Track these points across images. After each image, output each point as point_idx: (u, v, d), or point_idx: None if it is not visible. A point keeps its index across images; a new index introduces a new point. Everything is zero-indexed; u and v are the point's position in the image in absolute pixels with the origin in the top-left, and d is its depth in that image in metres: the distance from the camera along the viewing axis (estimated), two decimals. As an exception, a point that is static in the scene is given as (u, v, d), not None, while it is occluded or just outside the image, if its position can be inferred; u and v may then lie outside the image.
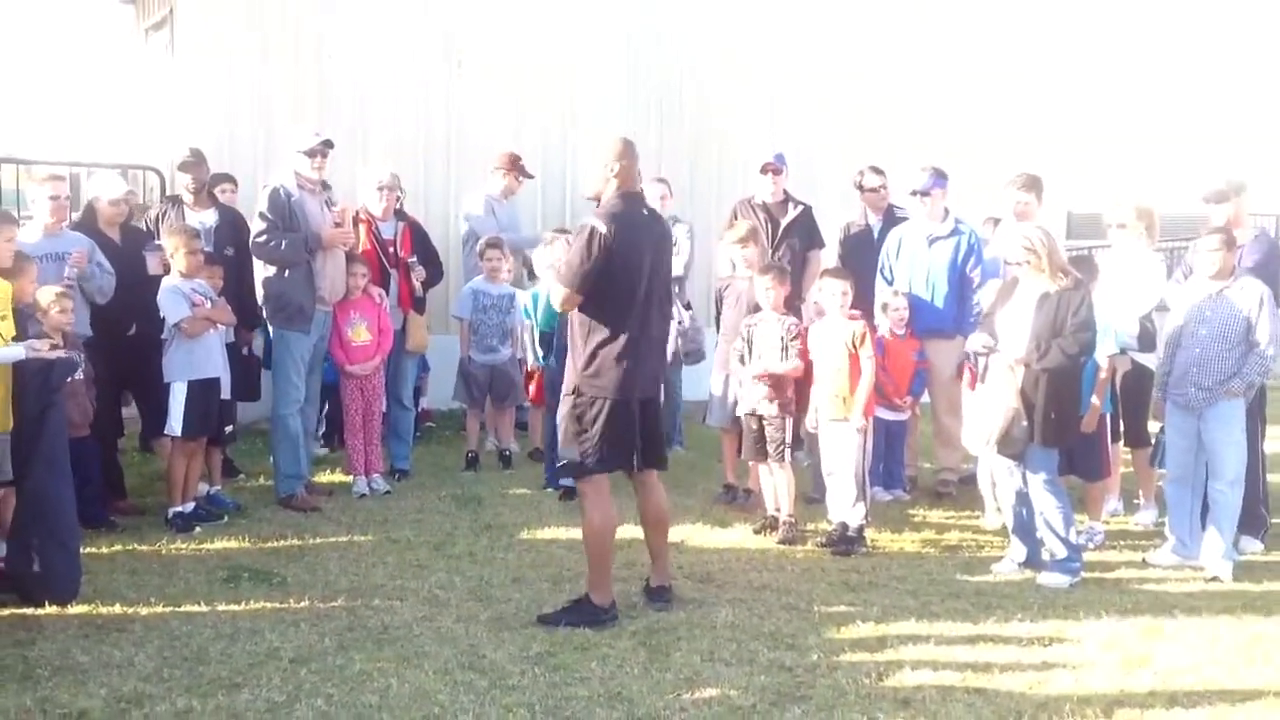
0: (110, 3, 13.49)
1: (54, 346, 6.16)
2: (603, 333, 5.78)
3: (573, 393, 5.85)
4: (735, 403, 7.90)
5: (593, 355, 5.79)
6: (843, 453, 7.33)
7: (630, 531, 7.42)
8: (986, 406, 6.72)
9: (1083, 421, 7.08)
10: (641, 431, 5.97)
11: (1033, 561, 6.84)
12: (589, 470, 5.88)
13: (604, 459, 5.86)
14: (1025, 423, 6.57)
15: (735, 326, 8.01)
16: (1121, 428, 7.87)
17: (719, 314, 8.41)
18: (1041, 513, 6.70)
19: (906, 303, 8.38)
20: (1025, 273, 6.73)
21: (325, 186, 8.09)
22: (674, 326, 9.48)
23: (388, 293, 8.57)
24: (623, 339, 5.78)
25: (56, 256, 7.15)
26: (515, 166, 10.30)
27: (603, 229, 5.70)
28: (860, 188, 9.11)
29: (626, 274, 5.76)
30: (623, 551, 7.03)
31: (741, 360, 7.60)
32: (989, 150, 12.57)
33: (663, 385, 6.33)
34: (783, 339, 7.46)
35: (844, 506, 7.31)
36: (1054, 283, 6.62)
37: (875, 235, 8.89)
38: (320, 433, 9.36)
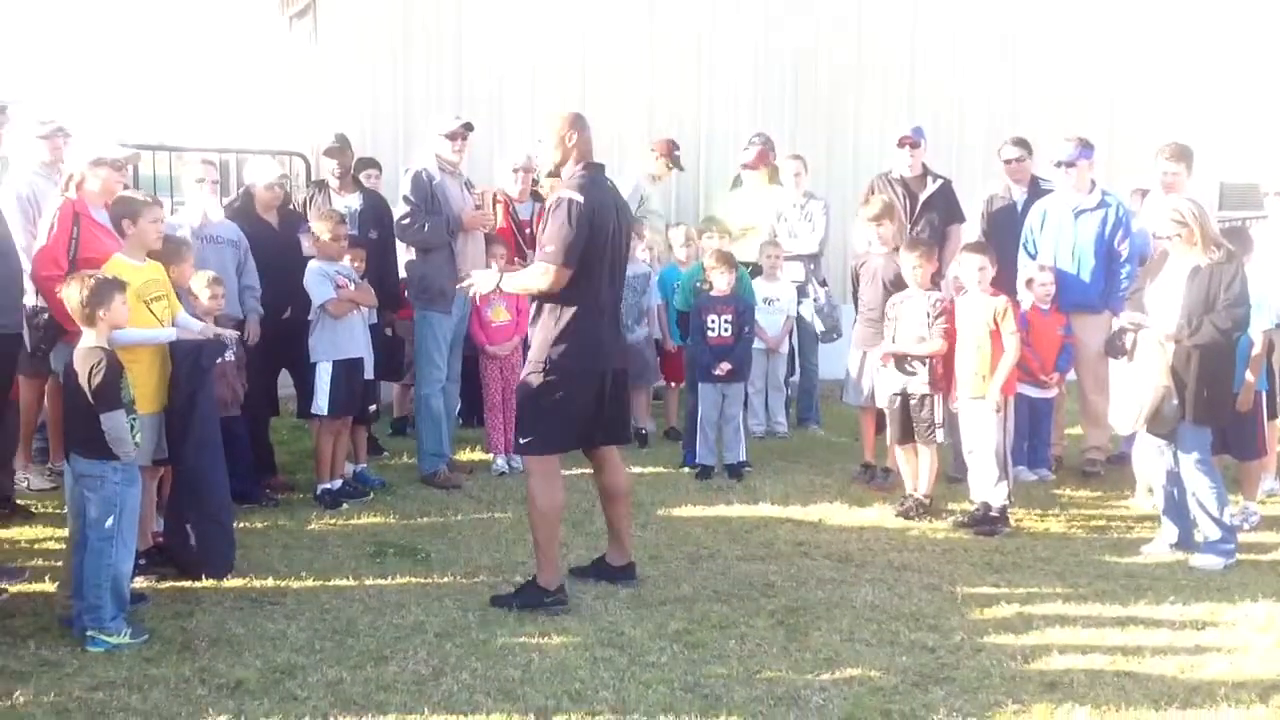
0: (256, -8, 13.86)
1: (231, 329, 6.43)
2: (575, 306, 5.66)
3: (542, 369, 5.69)
4: (873, 383, 7.83)
5: (565, 329, 5.66)
6: (983, 431, 7.19)
7: (765, 510, 7.44)
8: (1136, 384, 6.53)
9: (1237, 399, 6.85)
10: (610, 405, 5.85)
11: (1185, 543, 6.65)
12: (547, 448, 5.76)
13: (565, 436, 5.77)
14: (1176, 401, 6.38)
15: (871, 304, 7.92)
16: (1279, 405, 7.58)
17: (855, 291, 8.31)
18: (1194, 493, 6.51)
19: (1053, 277, 8.17)
20: (1176, 246, 6.51)
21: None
22: (810, 305, 9.45)
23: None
24: (589, 311, 5.68)
25: (212, 239, 7.39)
26: (670, 154, 10.28)
27: (579, 199, 5.61)
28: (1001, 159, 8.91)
29: (598, 245, 5.66)
30: (758, 531, 7.04)
31: (893, 339, 7.49)
32: (1137, 119, 12.19)
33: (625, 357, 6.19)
34: (928, 315, 7.34)
35: (986, 486, 7.18)
36: (1206, 256, 6.41)
37: (1019, 208, 8.68)
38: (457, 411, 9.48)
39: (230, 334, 6.51)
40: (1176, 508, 6.67)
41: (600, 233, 5.65)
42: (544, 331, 5.73)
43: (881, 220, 7.98)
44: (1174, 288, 6.49)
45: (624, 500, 6.12)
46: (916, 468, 7.51)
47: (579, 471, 7.43)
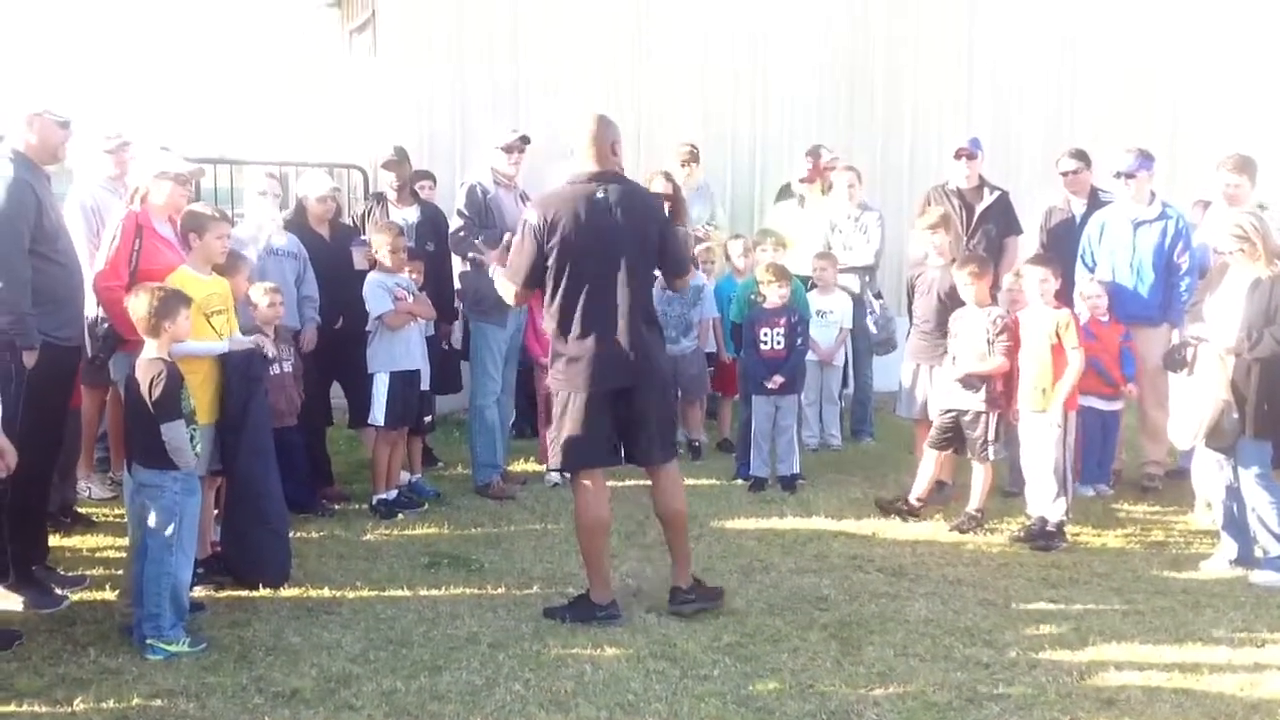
0: (317, 7, 14.02)
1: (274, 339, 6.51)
2: (559, 325, 5.65)
3: (554, 386, 5.79)
4: (926, 396, 7.80)
5: (558, 349, 5.68)
6: (1042, 446, 7.13)
7: (818, 523, 7.41)
8: (1195, 398, 6.45)
9: None
10: (624, 425, 5.73)
11: (1245, 559, 6.55)
12: (569, 465, 5.79)
13: (579, 455, 5.71)
14: (1236, 415, 6.29)
15: (925, 316, 7.88)
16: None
17: (910, 303, 8.27)
18: (1254, 509, 6.41)
19: (1102, 290, 8.07)
20: (1237, 260, 6.44)
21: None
22: (867, 317, 9.40)
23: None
24: (582, 328, 5.60)
25: (271, 251, 7.48)
26: (686, 161, 10.26)
27: (534, 218, 5.58)
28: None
29: (574, 260, 5.54)
30: (811, 544, 7.01)
31: (954, 360, 7.44)
32: (1200, 129, 12.03)
33: (652, 373, 5.78)
34: (988, 332, 7.29)
35: (1044, 501, 7.11)
36: (1268, 269, 6.33)
37: (1078, 220, 8.59)
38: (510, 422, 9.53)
39: (264, 340, 6.53)
40: (1236, 523, 6.57)
41: (566, 246, 5.54)
42: (552, 351, 5.79)
43: (938, 229, 7.93)
44: (1234, 300, 6.41)
45: (672, 524, 5.92)
46: (935, 474, 7.53)
47: (632, 483, 7.47)
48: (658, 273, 6.03)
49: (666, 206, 8.66)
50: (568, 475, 8.13)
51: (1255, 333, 6.26)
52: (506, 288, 5.82)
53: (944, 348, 7.68)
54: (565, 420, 5.69)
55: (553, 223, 5.56)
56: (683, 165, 9.99)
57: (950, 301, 7.67)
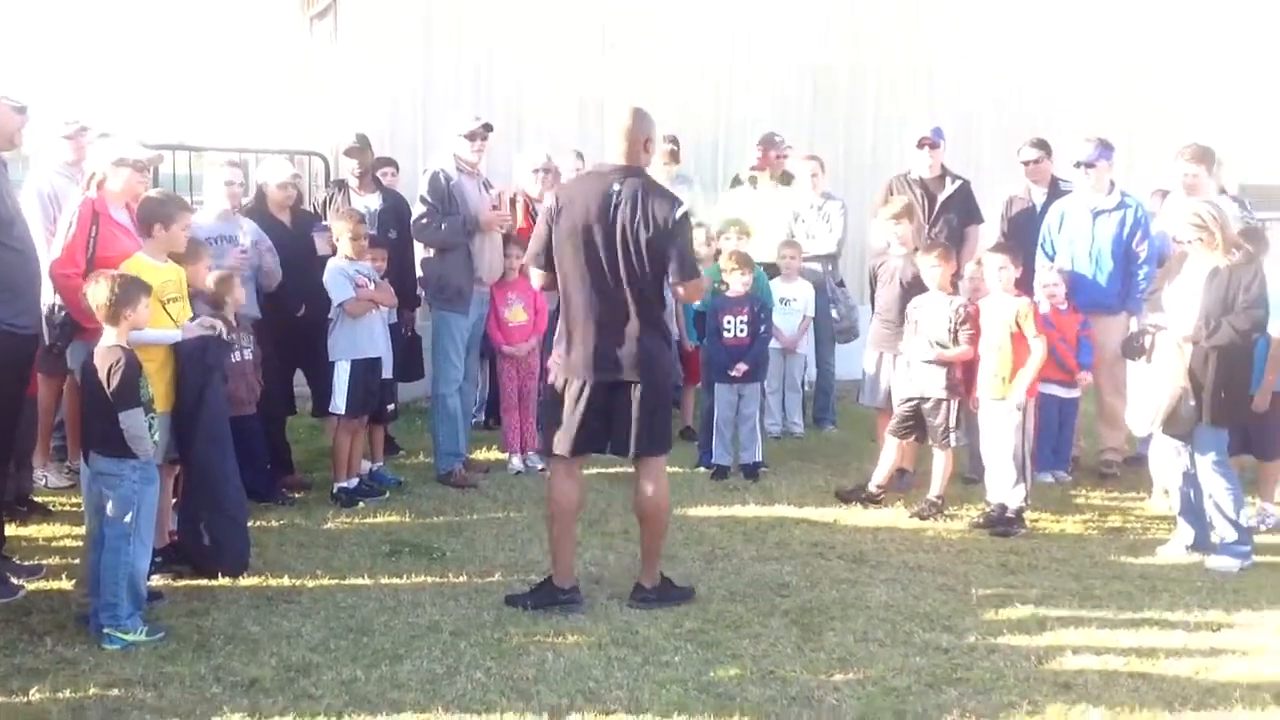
0: (277, -8, 13.92)
1: (227, 326, 6.45)
2: (564, 310, 5.70)
3: (549, 370, 5.87)
4: (889, 384, 7.84)
5: (558, 332, 5.75)
6: (1002, 433, 7.18)
7: (780, 511, 7.43)
8: (1153, 385, 6.51)
9: (1254, 400, 6.82)
10: (614, 416, 5.70)
11: (1201, 545, 6.63)
12: (549, 449, 5.84)
13: (562, 439, 5.72)
14: (1193, 402, 6.36)
15: (888, 305, 7.91)
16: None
17: (873, 292, 8.30)
18: (1211, 495, 6.49)
19: (1060, 279, 8.12)
20: (1195, 249, 6.50)
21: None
22: (830, 305, 9.44)
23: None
24: (579, 316, 5.64)
25: (229, 239, 7.41)
26: (673, 159, 10.24)
27: (549, 201, 5.71)
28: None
29: (573, 247, 5.58)
30: (773, 532, 7.04)
31: (909, 345, 7.49)
32: (1158, 119, 12.13)
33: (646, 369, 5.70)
34: (950, 320, 7.34)
35: (1003, 487, 7.17)
36: (1225, 258, 6.39)
37: (1038, 210, 8.65)
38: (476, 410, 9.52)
39: (217, 323, 6.47)
40: (1192, 509, 6.65)
41: (570, 233, 5.58)
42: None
43: (901, 219, 7.96)
44: (1193, 289, 6.47)
45: (650, 520, 5.88)
46: (896, 462, 7.60)
47: (597, 471, 7.47)
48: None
49: None
50: (532, 461, 8.25)
51: (1213, 321, 6.32)
52: (529, 271, 5.93)
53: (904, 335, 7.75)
54: (555, 405, 5.74)
55: (561, 208, 5.63)
56: (669, 161, 10.01)
57: (913, 290, 7.71)
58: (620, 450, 5.80)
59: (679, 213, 5.60)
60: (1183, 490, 6.67)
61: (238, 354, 6.99)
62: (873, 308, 8.32)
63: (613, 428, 5.72)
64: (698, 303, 8.95)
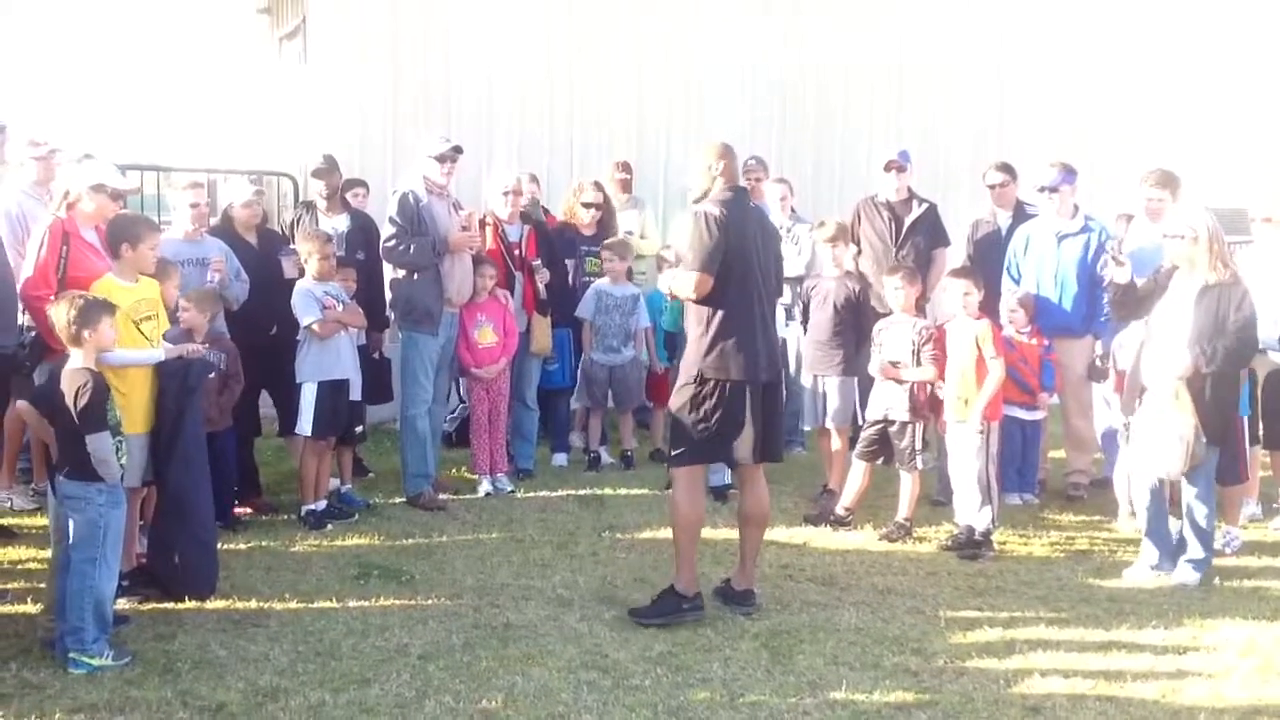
0: (246, 14, 13.87)
1: (203, 346, 6.44)
2: (722, 316, 5.80)
3: (694, 381, 5.85)
4: (824, 405, 8.08)
5: (714, 340, 5.80)
6: (966, 456, 7.23)
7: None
8: (1164, 428, 6.50)
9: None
10: (765, 419, 5.94)
11: (1164, 565, 6.69)
12: (695, 458, 5.90)
13: (714, 448, 5.88)
14: (1204, 438, 6.42)
15: (821, 327, 8.08)
16: (1261, 430, 7.61)
17: (806, 314, 8.38)
18: (1191, 512, 6.59)
19: (1018, 305, 8.16)
20: (1180, 255, 6.53)
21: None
22: (797, 327, 9.48)
23: (512, 295, 8.68)
24: (743, 321, 5.82)
25: (197, 261, 7.38)
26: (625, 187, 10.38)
27: (715, 211, 5.79)
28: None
29: (741, 257, 5.81)
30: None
31: (876, 367, 7.55)
32: (1124, 144, 12.26)
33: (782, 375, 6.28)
34: (914, 343, 7.39)
35: (970, 510, 7.21)
36: (1213, 273, 6.44)
37: (1004, 233, 8.72)
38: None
39: (199, 348, 6.45)
40: (1158, 529, 6.70)
41: (742, 243, 5.80)
42: (696, 345, 5.88)
43: (836, 242, 8.07)
44: (1181, 308, 6.53)
45: (757, 526, 6.19)
46: (863, 487, 7.64)
47: (564, 493, 7.47)
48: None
49: (595, 216, 8.78)
50: (501, 484, 8.23)
51: (1209, 347, 6.37)
52: (688, 279, 5.86)
53: (839, 358, 7.87)
54: (716, 412, 5.82)
55: (731, 220, 5.81)
56: (621, 191, 10.12)
57: (845, 313, 7.81)
58: (770, 455, 6.08)
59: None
60: (1150, 509, 6.72)
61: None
62: (804, 330, 8.38)
63: (757, 430, 5.92)
64: (668, 324, 9.03)
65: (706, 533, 7.37)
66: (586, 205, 9.52)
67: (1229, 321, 6.36)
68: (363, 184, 9.31)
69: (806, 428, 8.44)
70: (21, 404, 5.57)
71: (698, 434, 5.84)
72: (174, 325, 6.69)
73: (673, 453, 5.97)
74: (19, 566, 6.60)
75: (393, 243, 7.91)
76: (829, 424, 8.12)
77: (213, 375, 7.06)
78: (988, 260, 8.46)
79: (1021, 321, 8.10)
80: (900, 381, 7.41)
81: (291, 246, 8.04)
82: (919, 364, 7.38)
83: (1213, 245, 6.46)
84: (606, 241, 9.48)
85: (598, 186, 9.57)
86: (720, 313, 5.82)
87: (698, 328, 5.88)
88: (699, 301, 5.84)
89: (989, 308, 7.67)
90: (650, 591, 6.23)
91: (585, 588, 6.39)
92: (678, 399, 5.93)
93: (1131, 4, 12.95)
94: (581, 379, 9.34)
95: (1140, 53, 12.77)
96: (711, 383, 5.82)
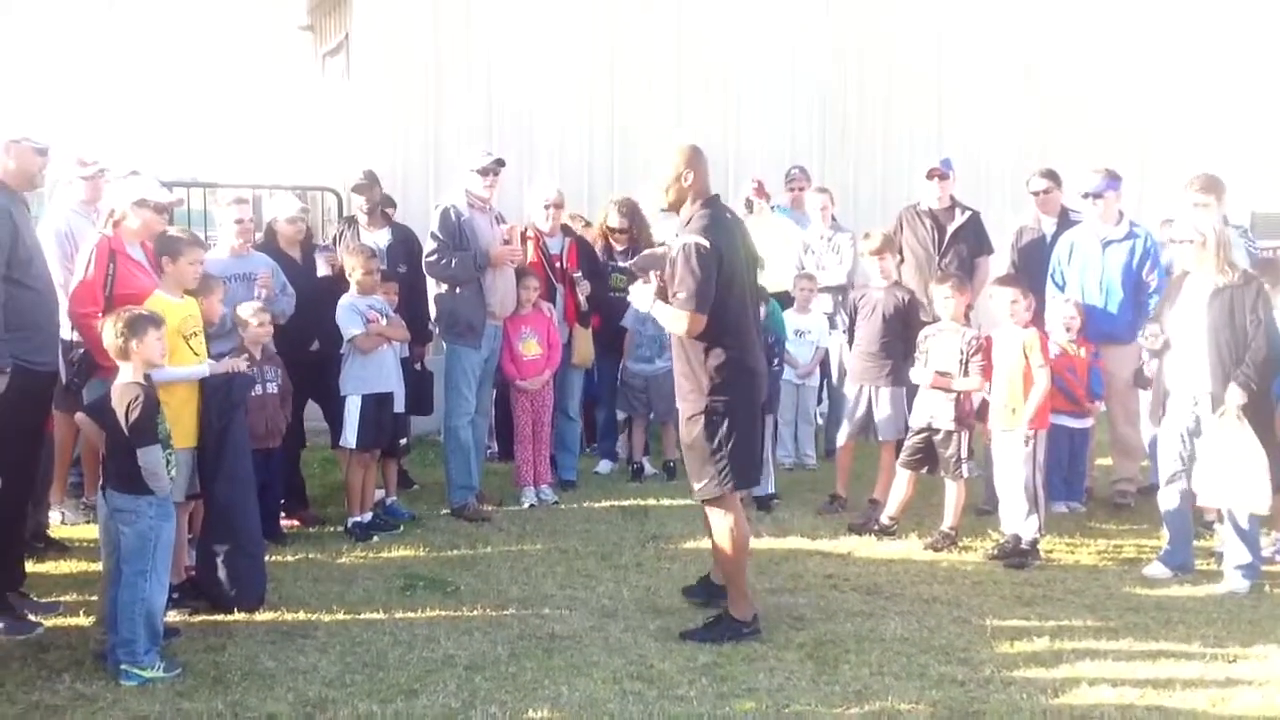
0: (289, 31, 14.03)
1: (250, 360, 6.50)
2: (723, 344, 5.65)
3: (703, 412, 5.68)
4: (862, 416, 8.12)
5: (718, 369, 5.64)
6: (1013, 464, 7.18)
7: (793, 543, 7.44)
8: (1241, 458, 6.44)
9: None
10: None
11: (1185, 566, 6.77)
12: (724, 487, 5.71)
13: (740, 474, 5.74)
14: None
15: (869, 338, 8.05)
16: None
17: (853, 325, 8.33)
18: (1234, 517, 6.55)
19: (1075, 310, 8.14)
20: (1190, 260, 6.52)
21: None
22: (840, 336, 9.47)
23: (554, 307, 8.71)
24: (744, 345, 5.73)
25: (243, 277, 7.46)
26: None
27: (704, 243, 5.56)
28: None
29: (731, 280, 5.64)
30: (786, 564, 7.04)
31: (922, 376, 7.52)
32: (1168, 149, 12.17)
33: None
34: (962, 352, 7.35)
35: (1016, 519, 7.16)
36: (1221, 276, 6.43)
37: (1048, 240, 8.67)
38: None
39: (241, 363, 6.50)
40: (1182, 531, 6.84)
41: (731, 268, 5.66)
42: (698, 375, 5.68)
43: (883, 254, 8.04)
44: (1194, 311, 6.51)
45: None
46: (907, 496, 7.61)
47: (609, 504, 7.47)
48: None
49: (625, 238, 8.70)
50: (545, 494, 8.25)
51: (1246, 369, 6.40)
52: (680, 317, 5.64)
53: (888, 368, 7.84)
54: (731, 439, 5.68)
55: (720, 250, 5.62)
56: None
57: (894, 323, 7.78)
58: None
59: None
60: (1178, 510, 6.80)
61: (260, 387, 7.00)
62: (850, 342, 8.35)
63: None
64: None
65: (751, 543, 7.38)
66: (611, 230, 9.48)
67: (1245, 323, 6.37)
68: (391, 202, 9.32)
69: (840, 442, 8.37)
70: (79, 415, 5.65)
71: (719, 466, 5.69)
72: (229, 338, 6.76)
73: (697, 486, 5.79)
74: (71, 580, 6.67)
75: (434, 257, 7.96)
76: (880, 437, 8.10)
77: (275, 390, 7.14)
78: (1031, 268, 8.41)
79: (1075, 329, 8.05)
80: (949, 391, 7.37)
81: (325, 244, 8.08)
82: (967, 374, 7.34)
83: (1220, 249, 6.45)
84: (642, 253, 9.44)
85: (628, 206, 9.47)
86: (720, 343, 5.65)
87: (698, 359, 5.66)
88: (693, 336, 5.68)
89: (1034, 315, 7.62)
90: (695, 602, 6.23)
91: (629, 598, 6.40)
92: (689, 432, 5.75)
93: (1174, 9, 12.86)
94: (621, 388, 9.36)
95: (1184, 58, 12.68)
96: (721, 412, 5.69)
